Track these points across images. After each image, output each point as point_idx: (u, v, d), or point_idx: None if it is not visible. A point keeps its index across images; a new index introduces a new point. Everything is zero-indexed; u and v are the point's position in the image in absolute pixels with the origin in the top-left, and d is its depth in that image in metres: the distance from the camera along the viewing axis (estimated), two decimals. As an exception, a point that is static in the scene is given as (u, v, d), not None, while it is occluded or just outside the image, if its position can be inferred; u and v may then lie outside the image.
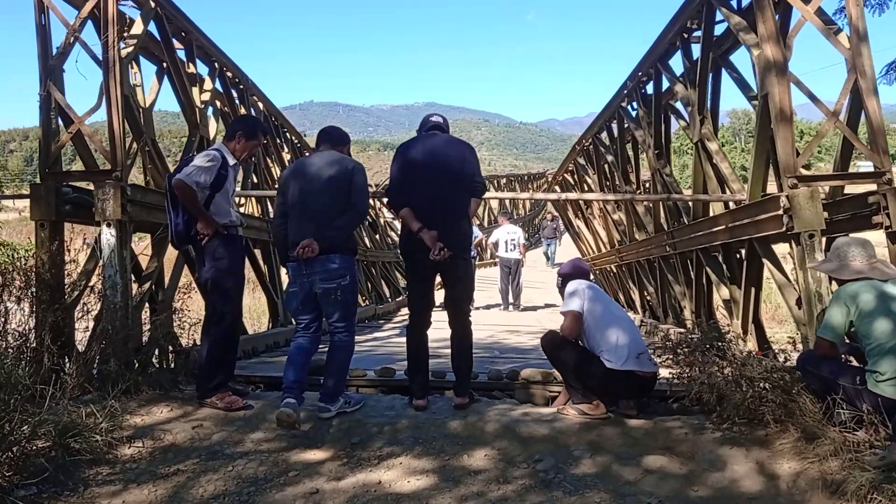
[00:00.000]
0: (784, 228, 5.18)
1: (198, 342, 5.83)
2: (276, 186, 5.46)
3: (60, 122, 6.30)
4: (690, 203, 8.01)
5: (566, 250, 27.52)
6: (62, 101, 6.22)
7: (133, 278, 6.13)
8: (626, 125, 10.21)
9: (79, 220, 6.12)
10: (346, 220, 4.87)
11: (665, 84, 8.40)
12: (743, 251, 7.07)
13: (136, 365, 5.51)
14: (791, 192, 5.09)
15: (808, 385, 4.33)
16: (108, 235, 5.78)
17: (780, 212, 5.18)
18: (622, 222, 11.85)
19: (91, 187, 5.92)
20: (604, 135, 11.72)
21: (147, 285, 6.37)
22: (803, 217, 5.03)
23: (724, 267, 6.99)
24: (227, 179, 5.30)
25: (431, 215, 4.93)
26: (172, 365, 5.93)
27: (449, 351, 5.22)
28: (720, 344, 4.79)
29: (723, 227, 6.56)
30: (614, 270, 13.12)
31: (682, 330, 7.83)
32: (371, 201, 19.57)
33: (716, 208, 7.17)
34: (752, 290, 6.51)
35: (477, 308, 15.25)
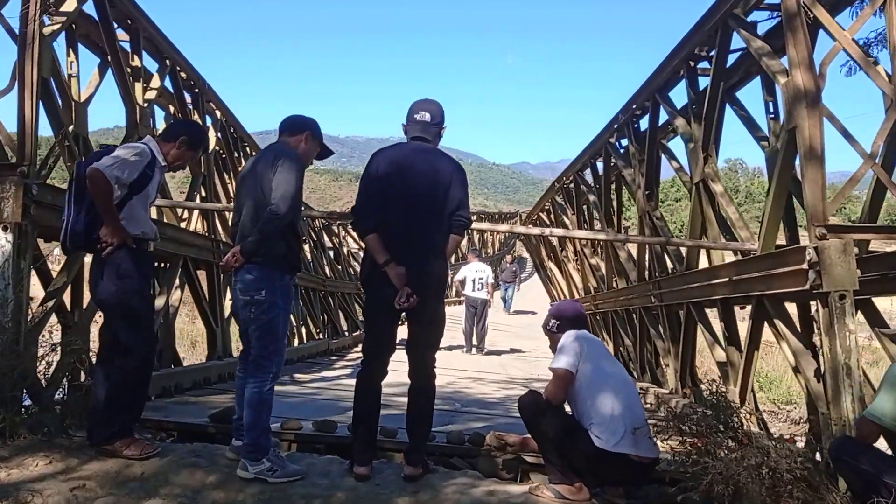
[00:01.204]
0: (808, 286, 4.37)
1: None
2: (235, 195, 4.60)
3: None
4: (683, 251, 7.23)
5: (525, 295, 26.64)
6: (-35, 78, 5.27)
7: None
8: (612, 163, 9.45)
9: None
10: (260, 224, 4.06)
11: (662, 119, 7.68)
12: (741, 307, 6.31)
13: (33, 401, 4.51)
14: (820, 244, 4.28)
15: (847, 481, 3.52)
16: (3, 241, 4.79)
17: (805, 266, 4.37)
18: (600, 268, 11.07)
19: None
20: (587, 173, 10.98)
21: (51, 303, 5.36)
22: (834, 274, 4.22)
23: (723, 325, 6.17)
24: (151, 181, 4.39)
25: (399, 247, 4.05)
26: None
27: (403, 400, 4.31)
28: (733, 420, 3.93)
29: (725, 279, 5.76)
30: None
31: (677, 397, 6.98)
32: (335, 228, 18.82)
33: (715, 258, 6.38)
34: (755, 353, 5.70)
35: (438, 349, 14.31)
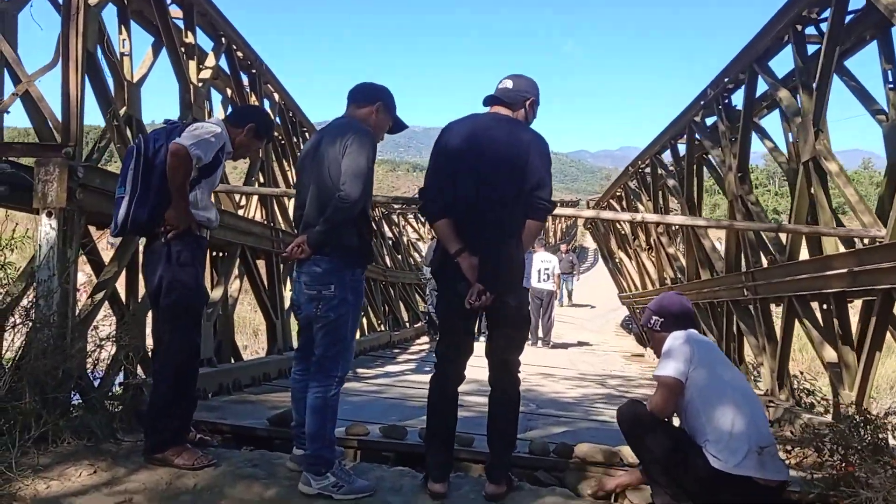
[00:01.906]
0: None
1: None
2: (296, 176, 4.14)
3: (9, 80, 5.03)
4: (783, 239, 6.52)
5: (582, 287, 25.80)
6: (10, 54, 4.92)
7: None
8: (697, 143, 8.70)
9: (16, 206, 4.79)
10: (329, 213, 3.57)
11: (756, 93, 6.95)
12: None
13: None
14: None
15: None
16: (48, 228, 4.43)
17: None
18: (678, 257, 10.35)
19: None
20: (665, 156, 10.25)
21: (101, 294, 4.99)
22: None
23: (837, 321, 5.46)
24: (219, 167, 4.04)
25: (470, 233, 3.51)
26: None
27: (479, 401, 3.78)
28: (879, 438, 3.30)
29: (842, 270, 5.06)
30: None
31: (777, 400, 6.29)
32: (395, 217, 18.38)
33: (828, 247, 5.67)
34: (876, 354, 5.01)
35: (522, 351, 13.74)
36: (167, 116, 4.37)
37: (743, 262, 7.44)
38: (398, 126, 3.94)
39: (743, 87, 7.03)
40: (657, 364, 3.58)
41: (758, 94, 7.09)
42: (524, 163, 3.49)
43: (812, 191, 5.69)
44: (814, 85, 5.58)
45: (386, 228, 16.59)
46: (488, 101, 3.70)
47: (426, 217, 3.67)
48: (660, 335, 3.70)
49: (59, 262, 4.42)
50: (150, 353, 4.28)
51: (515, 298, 3.62)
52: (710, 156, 8.37)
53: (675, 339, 3.54)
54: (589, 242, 35.18)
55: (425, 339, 13.72)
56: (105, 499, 3.40)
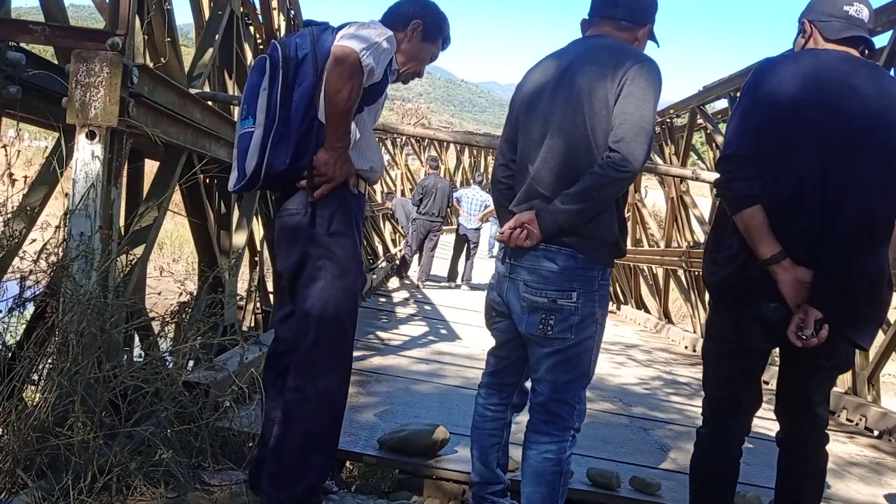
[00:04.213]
0: None
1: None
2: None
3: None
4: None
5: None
6: None
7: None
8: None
9: (31, 118, 3.29)
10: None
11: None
12: None
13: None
14: None
15: None
16: (87, 154, 2.98)
17: None
18: (704, 220, 9.49)
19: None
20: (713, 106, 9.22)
21: (141, 249, 3.55)
22: None
23: None
24: (385, 89, 2.72)
25: (802, 230, 2.36)
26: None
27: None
28: None
29: None
30: (660, 275, 10.77)
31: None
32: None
33: None
34: None
35: (458, 286, 12.57)
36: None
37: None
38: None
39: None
40: None
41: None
42: None
43: None
44: None
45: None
46: (846, 39, 2.48)
47: (729, 198, 2.44)
48: None
49: (103, 209, 3.01)
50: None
51: (869, 339, 2.51)
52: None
53: None
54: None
55: (395, 282, 12.46)
56: None
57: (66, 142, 3.09)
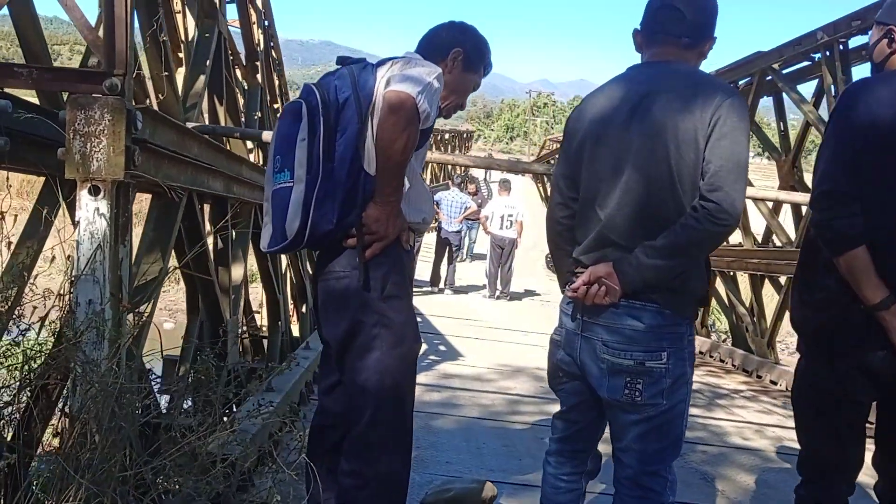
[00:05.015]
0: None
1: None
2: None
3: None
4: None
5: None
6: None
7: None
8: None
9: (20, 168, 2.94)
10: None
11: None
12: None
13: None
14: None
15: None
16: (92, 211, 2.67)
17: None
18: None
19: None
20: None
21: (149, 306, 3.22)
22: None
23: None
24: (431, 130, 2.40)
25: None
26: None
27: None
28: None
29: None
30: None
31: None
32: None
33: None
34: None
35: (441, 290, 12.44)
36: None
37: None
38: None
39: None
40: None
41: None
42: None
43: None
44: None
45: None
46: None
47: (829, 239, 2.21)
48: None
49: (111, 271, 2.69)
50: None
51: None
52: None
53: None
54: (477, 173, 31.09)
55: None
56: None
57: (58, 190, 2.78)
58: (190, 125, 3.74)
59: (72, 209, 2.80)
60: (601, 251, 2.25)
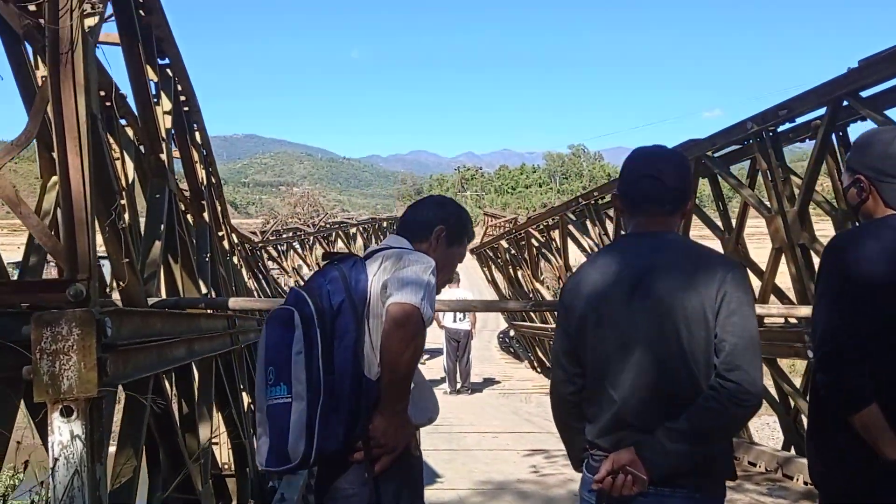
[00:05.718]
0: None
1: None
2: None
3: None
4: None
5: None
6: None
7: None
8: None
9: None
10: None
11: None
12: None
13: None
14: None
15: None
16: (65, 436, 2.48)
17: None
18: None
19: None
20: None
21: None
22: None
23: None
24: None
25: None
26: None
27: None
28: None
29: None
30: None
31: None
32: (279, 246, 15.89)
33: None
34: None
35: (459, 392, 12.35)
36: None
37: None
38: None
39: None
40: None
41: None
42: None
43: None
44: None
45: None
46: None
47: (839, 401, 2.18)
48: None
49: (90, 494, 2.50)
50: None
51: None
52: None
53: None
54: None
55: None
56: None
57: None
58: (151, 301, 3.60)
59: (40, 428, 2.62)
60: (618, 433, 2.17)
